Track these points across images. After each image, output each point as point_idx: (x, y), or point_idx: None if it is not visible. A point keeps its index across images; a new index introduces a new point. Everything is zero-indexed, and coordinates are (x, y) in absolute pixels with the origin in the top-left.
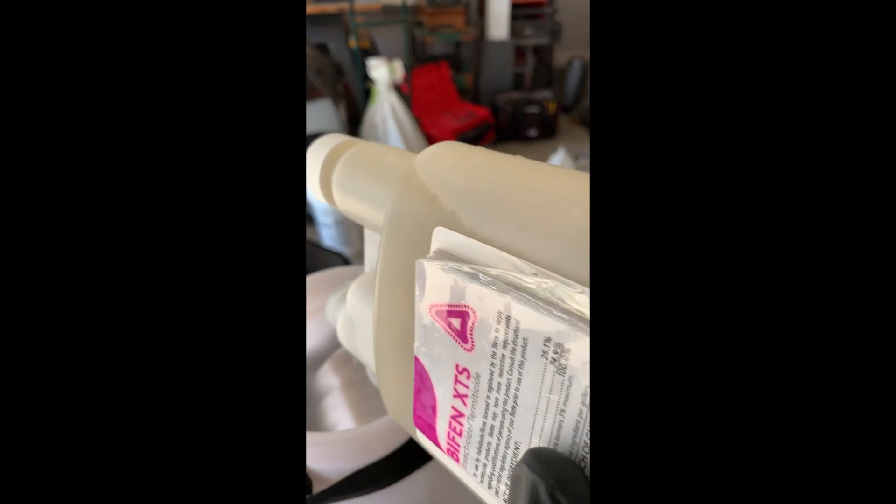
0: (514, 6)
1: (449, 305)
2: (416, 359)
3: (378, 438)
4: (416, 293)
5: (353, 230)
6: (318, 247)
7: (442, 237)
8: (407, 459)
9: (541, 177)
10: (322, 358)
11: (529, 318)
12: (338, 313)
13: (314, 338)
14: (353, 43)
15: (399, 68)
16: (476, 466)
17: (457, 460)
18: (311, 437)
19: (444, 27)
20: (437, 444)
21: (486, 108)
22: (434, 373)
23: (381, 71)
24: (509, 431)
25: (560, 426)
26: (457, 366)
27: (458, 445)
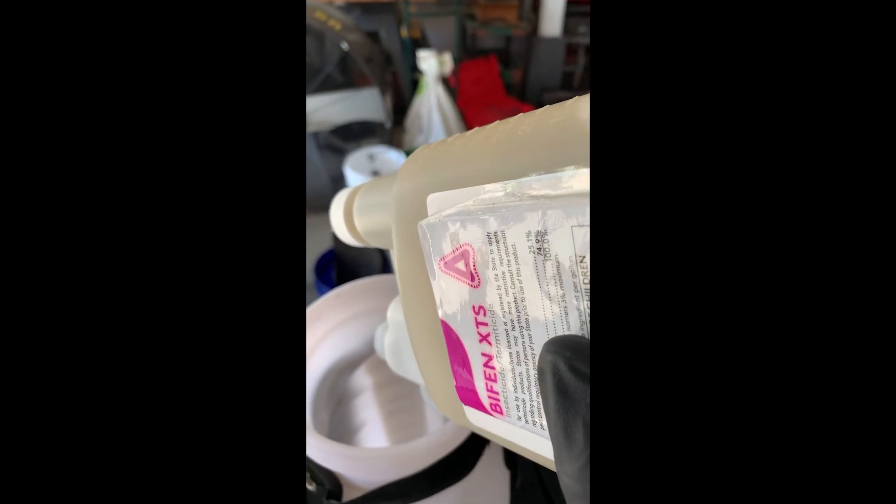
0: (570, 3)
1: (453, 251)
2: (442, 321)
3: (411, 458)
4: (425, 255)
5: None
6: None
7: (434, 201)
8: (437, 478)
9: (490, 126)
10: (360, 360)
11: (510, 223)
12: (384, 343)
13: (354, 341)
14: (404, 32)
15: (448, 61)
16: (518, 407)
17: (500, 412)
18: (349, 451)
19: (497, 20)
20: (483, 408)
21: (533, 105)
22: (458, 326)
23: (431, 63)
24: (531, 349)
25: (567, 321)
26: (473, 307)
27: (497, 393)
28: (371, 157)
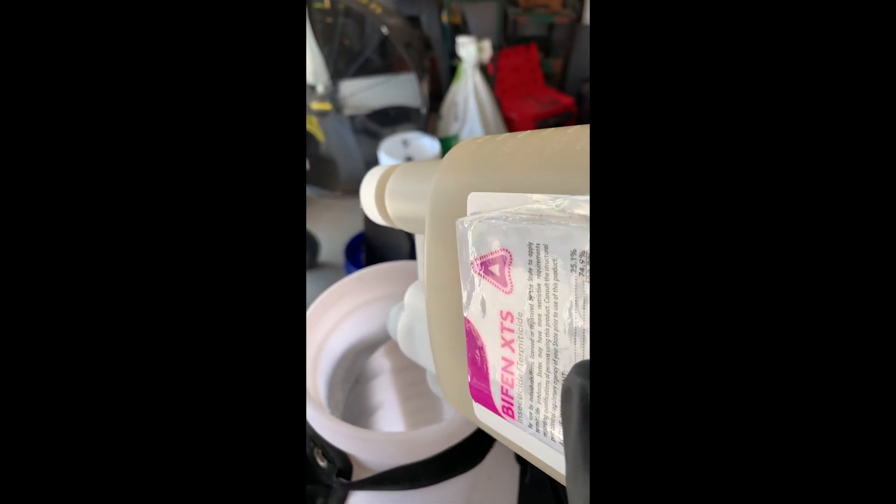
0: None
1: (490, 254)
2: (466, 320)
3: (421, 444)
4: (459, 252)
5: None
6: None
7: (475, 200)
8: (445, 465)
9: (546, 133)
10: (379, 342)
11: (555, 238)
12: (397, 325)
13: (374, 324)
14: (445, 18)
15: (487, 48)
16: (530, 415)
17: (512, 416)
18: (358, 433)
19: (540, 7)
20: (494, 409)
21: (572, 96)
22: (482, 326)
23: (470, 49)
24: (555, 364)
25: None
26: (500, 312)
27: (512, 398)
28: (405, 143)
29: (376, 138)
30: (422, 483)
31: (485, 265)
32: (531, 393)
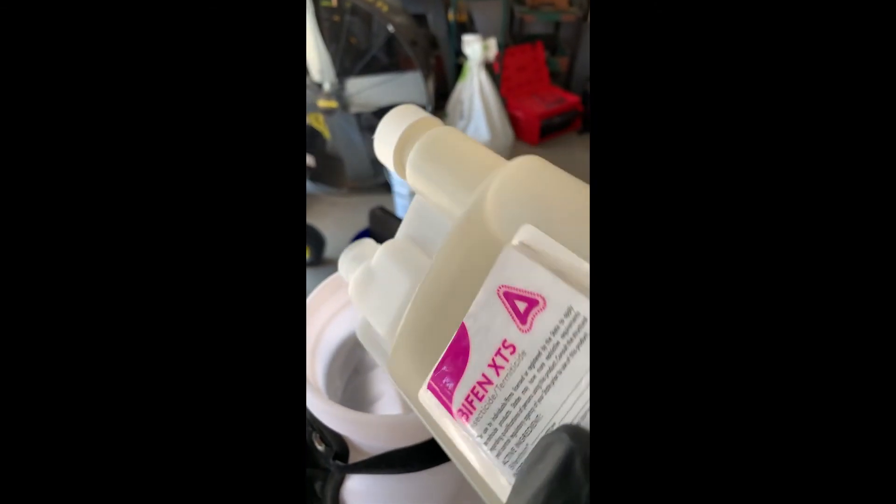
0: None
1: (522, 290)
2: (463, 325)
3: (412, 428)
4: (492, 272)
5: None
6: (391, 215)
7: (527, 232)
8: (439, 450)
9: None
10: None
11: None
12: (354, 267)
13: None
14: (451, 16)
15: (492, 46)
16: (486, 430)
17: (465, 420)
18: (357, 417)
19: (546, 6)
20: (447, 405)
21: (578, 95)
22: (476, 341)
23: (475, 48)
24: (535, 405)
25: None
26: (504, 340)
27: (474, 408)
28: None
29: None
30: (414, 468)
31: (511, 295)
32: (497, 415)
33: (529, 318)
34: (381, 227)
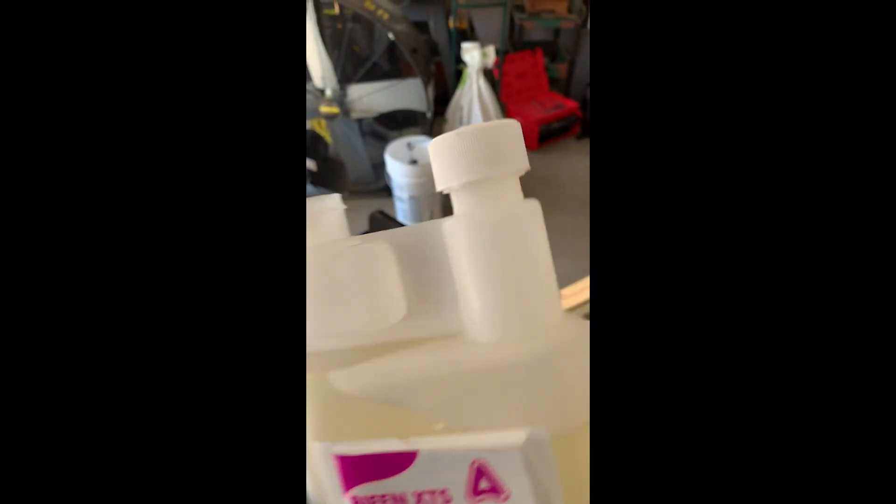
0: None
1: (494, 479)
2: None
3: None
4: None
5: (423, 207)
6: (391, 219)
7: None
8: None
9: None
10: None
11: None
12: None
13: None
14: (452, 23)
15: (491, 53)
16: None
17: (345, 489)
18: None
19: (546, 12)
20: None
21: (577, 101)
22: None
23: (473, 54)
24: None
25: None
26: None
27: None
28: (409, 146)
29: (383, 141)
30: None
31: (482, 474)
32: None
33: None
34: (381, 230)
